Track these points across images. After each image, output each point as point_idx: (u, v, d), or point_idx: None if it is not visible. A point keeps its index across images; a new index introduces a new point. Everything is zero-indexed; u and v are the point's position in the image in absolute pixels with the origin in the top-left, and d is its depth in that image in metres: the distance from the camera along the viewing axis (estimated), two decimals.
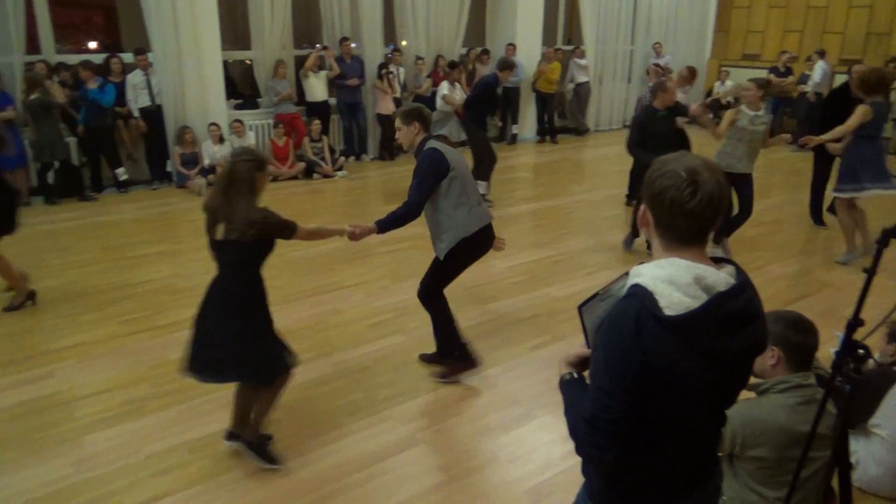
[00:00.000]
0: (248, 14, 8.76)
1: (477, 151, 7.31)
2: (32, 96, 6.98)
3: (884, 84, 5.42)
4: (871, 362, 3.02)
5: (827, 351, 3.46)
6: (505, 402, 3.60)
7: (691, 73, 7.55)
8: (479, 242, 3.61)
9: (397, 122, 3.57)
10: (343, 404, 3.58)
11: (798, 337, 2.20)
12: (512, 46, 10.68)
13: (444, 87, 8.40)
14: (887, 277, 5.12)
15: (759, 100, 5.38)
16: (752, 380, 2.22)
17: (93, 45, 12.14)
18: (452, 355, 3.81)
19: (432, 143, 3.50)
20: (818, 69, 10.72)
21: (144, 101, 7.98)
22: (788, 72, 11.30)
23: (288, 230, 2.88)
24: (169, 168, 8.32)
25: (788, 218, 7.16)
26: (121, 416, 3.45)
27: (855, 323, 1.83)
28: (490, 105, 7.71)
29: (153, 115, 8.05)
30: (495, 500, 2.88)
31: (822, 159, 6.48)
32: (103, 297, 4.95)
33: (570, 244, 6.21)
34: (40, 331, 4.45)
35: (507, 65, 7.16)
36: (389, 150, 9.92)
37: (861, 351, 1.83)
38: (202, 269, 5.46)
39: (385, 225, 3.45)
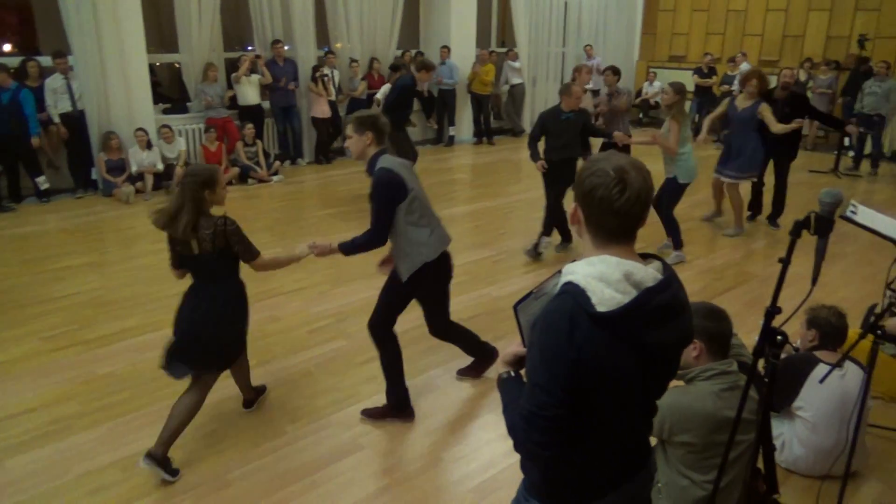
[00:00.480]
0: (174, 16, 8.49)
1: (400, 155, 7.30)
2: None
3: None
4: (789, 348, 3.19)
5: (752, 339, 3.62)
6: (447, 403, 3.62)
7: (615, 73, 7.69)
8: (443, 269, 3.41)
9: (348, 130, 3.26)
10: (284, 412, 3.52)
11: (715, 326, 2.31)
12: (446, 49, 10.75)
13: (384, 90, 8.36)
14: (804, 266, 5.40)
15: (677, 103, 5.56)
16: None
17: (7, 47, 11.54)
18: (483, 352, 3.81)
19: (386, 162, 3.17)
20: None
21: (65, 107, 7.62)
22: (712, 72, 11.78)
23: (249, 251, 3.05)
24: (94, 176, 7.96)
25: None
26: (47, 437, 3.29)
27: (773, 311, 1.93)
28: (408, 107, 7.60)
29: (75, 120, 7.68)
30: (440, 501, 2.89)
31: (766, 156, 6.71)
32: (24, 312, 4.70)
33: (508, 244, 6.29)
34: None
35: (425, 66, 7.14)
36: (325, 153, 9.81)
37: (779, 337, 1.93)
38: (130, 280, 5.30)
39: (347, 249, 3.26)
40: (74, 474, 3.02)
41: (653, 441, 1.76)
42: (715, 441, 2.19)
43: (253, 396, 3.55)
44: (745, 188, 6.84)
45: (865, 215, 2.30)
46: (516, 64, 11.81)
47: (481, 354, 3.84)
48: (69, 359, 4.07)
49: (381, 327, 3.39)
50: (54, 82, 7.55)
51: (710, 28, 12.94)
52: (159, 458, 2.95)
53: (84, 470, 3.05)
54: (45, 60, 7.75)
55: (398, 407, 3.47)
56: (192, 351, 3.00)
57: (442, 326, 3.62)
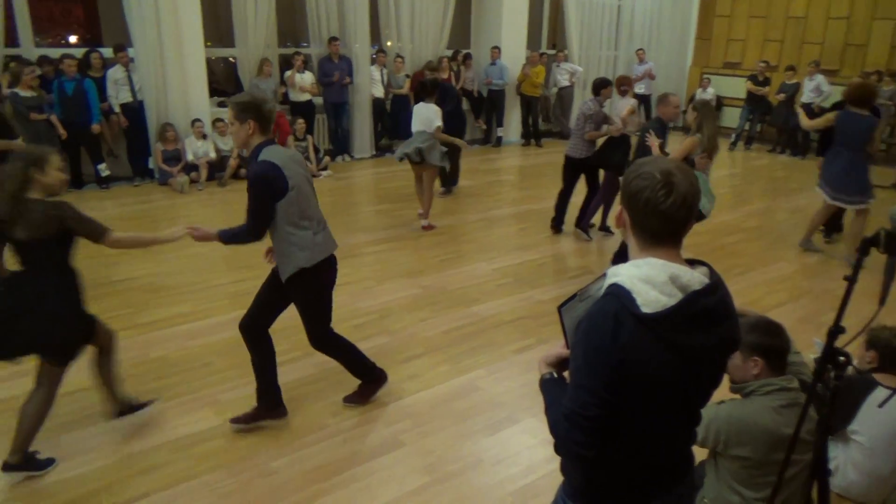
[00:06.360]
0: (231, 11, 8.69)
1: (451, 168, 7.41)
2: (16, 90, 6.87)
3: (866, 98, 5.55)
4: (851, 369, 3.08)
5: (807, 357, 3.51)
6: (489, 405, 3.61)
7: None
8: (326, 276, 3.22)
9: (229, 116, 2.94)
10: (327, 405, 3.56)
11: (774, 341, 2.25)
12: (496, 49, 10.73)
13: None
14: (867, 285, 5.22)
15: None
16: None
17: (73, 39, 11.97)
18: (371, 375, 3.56)
19: (269, 154, 2.90)
20: (820, 82, 10.62)
21: (126, 97, 7.89)
22: (767, 81, 11.47)
23: (93, 230, 2.87)
24: (151, 165, 8.22)
25: (768, 225, 7.26)
26: (100, 415, 3.40)
27: (836, 330, 1.87)
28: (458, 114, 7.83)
29: (134, 111, 7.96)
30: (478, 503, 2.89)
31: None
32: (86, 293, 4.86)
33: (553, 247, 6.25)
34: None
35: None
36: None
37: (842, 358, 1.87)
38: (183, 268, 5.44)
39: (226, 238, 3.03)
40: (125, 453, 3.12)
41: (698, 451, 1.72)
42: (771, 458, 2.14)
43: (121, 409, 3.31)
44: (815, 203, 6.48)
45: None
46: (568, 66, 11.71)
47: (368, 377, 3.56)
48: (123, 341, 4.17)
49: (254, 329, 3.22)
50: (116, 73, 7.83)
51: (767, 35, 12.59)
52: (19, 464, 2.88)
53: (134, 450, 3.15)
54: (108, 52, 8.03)
55: (270, 407, 3.32)
56: (12, 341, 2.80)
57: (320, 338, 3.35)
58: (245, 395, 3.56)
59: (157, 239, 3.09)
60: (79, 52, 7.90)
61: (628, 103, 6.50)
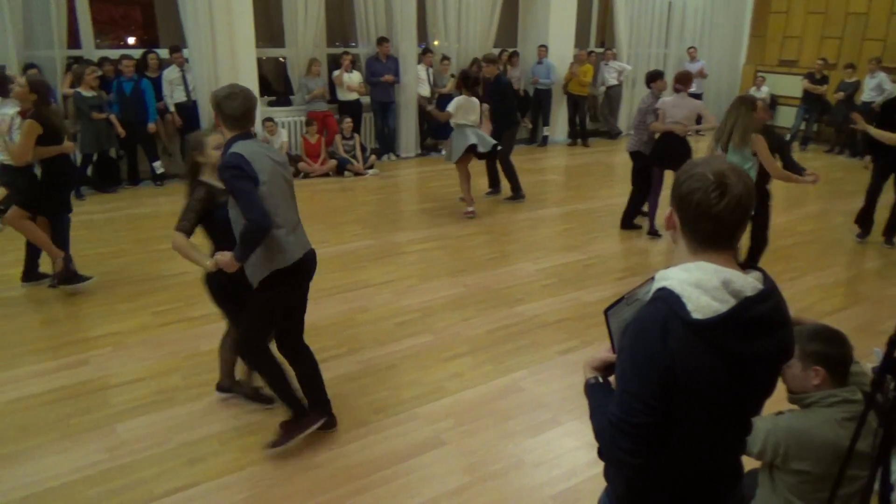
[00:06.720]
0: (282, 12, 8.86)
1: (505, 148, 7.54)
2: (79, 90, 7.16)
3: None
4: None
5: (865, 367, 3.38)
6: (532, 406, 3.59)
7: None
8: (301, 277, 3.03)
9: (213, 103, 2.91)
10: (370, 402, 3.60)
11: (837, 351, 2.15)
12: (544, 48, 10.65)
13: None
14: None
15: None
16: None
17: (131, 40, 12.37)
18: (301, 409, 3.21)
19: (239, 146, 2.78)
20: (882, 80, 10.25)
21: (180, 97, 8.13)
22: (825, 79, 11.08)
23: (179, 219, 3.13)
24: None
25: (825, 228, 7.02)
26: (153, 405, 3.52)
27: None
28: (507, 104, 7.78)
29: (189, 110, 8.19)
30: None
31: (880, 170, 6.27)
32: (138, 287, 5.04)
33: (600, 248, 6.17)
34: (77, 319, 4.55)
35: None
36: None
37: None
38: None
39: (241, 253, 2.79)
40: (175, 443, 3.21)
41: (746, 461, 1.66)
42: (832, 473, 2.05)
43: (223, 386, 3.60)
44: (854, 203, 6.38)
45: None
46: (616, 64, 11.54)
47: (313, 403, 3.23)
48: (175, 334, 4.33)
49: (253, 352, 3.08)
50: (171, 74, 8.07)
51: (825, 31, 12.15)
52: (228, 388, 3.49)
53: (184, 440, 3.24)
54: (164, 53, 8.28)
55: (303, 413, 3.18)
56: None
57: (290, 344, 3.19)
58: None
59: (198, 260, 3.03)
60: (136, 54, 8.17)
61: (688, 101, 6.31)
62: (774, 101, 12.20)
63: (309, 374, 3.23)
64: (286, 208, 2.91)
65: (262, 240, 2.76)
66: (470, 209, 7.01)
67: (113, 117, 7.42)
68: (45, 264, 5.05)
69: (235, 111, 2.80)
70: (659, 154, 6.21)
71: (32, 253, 4.99)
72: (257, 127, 8.37)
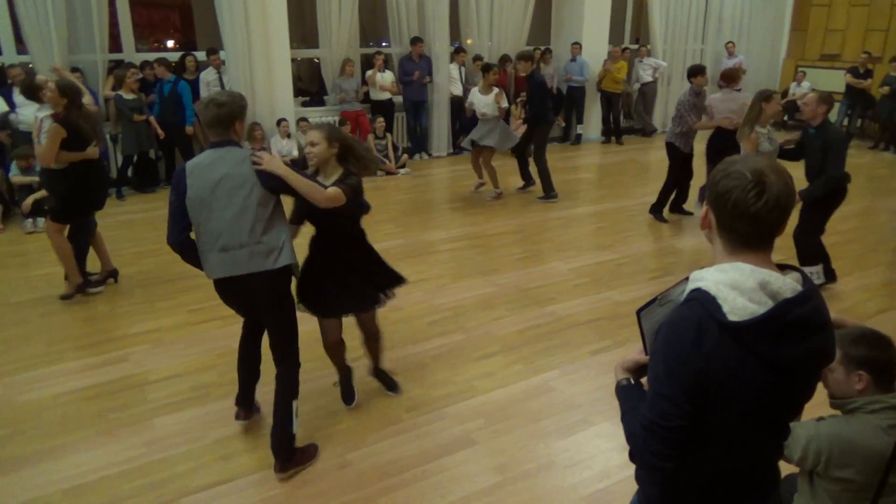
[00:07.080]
0: (316, 13, 8.94)
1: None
2: (119, 93, 7.34)
3: None
4: None
5: None
6: (563, 407, 3.56)
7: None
8: (224, 297, 3.10)
9: None
10: (401, 400, 3.61)
11: (884, 355, 2.07)
12: (577, 45, 10.54)
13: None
14: None
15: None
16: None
17: (170, 43, 12.64)
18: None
19: (202, 155, 2.86)
20: None
21: None
22: (869, 73, 10.74)
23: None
24: None
25: (868, 226, 6.81)
26: (189, 402, 3.58)
27: None
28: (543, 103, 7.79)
29: None
30: None
31: None
32: (175, 285, 5.14)
33: (633, 247, 6.08)
34: (116, 316, 4.67)
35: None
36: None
37: None
38: None
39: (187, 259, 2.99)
40: (210, 439, 3.27)
41: (783, 466, 1.61)
42: (877, 482, 1.98)
43: (374, 373, 3.74)
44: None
45: None
46: (652, 61, 11.37)
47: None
48: (210, 332, 4.41)
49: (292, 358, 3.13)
50: (208, 75, 8.21)
51: (870, 24, 11.77)
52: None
53: (218, 436, 3.29)
54: (202, 55, 8.44)
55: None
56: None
57: (247, 348, 3.36)
58: (323, 386, 3.67)
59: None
60: (175, 56, 8.34)
61: (737, 96, 6.30)
62: (794, 106, 11.62)
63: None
64: (216, 222, 2.78)
65: (178, 252, 2.96)
66: (497, 190, 7.61)
67: (152, 119, 7.59)
68: (92, 264, 5.17)
69: (208, 119, 2.81)
70: (714, 149, 6.16)
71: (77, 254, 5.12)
72: (291, 127, 8.47)
